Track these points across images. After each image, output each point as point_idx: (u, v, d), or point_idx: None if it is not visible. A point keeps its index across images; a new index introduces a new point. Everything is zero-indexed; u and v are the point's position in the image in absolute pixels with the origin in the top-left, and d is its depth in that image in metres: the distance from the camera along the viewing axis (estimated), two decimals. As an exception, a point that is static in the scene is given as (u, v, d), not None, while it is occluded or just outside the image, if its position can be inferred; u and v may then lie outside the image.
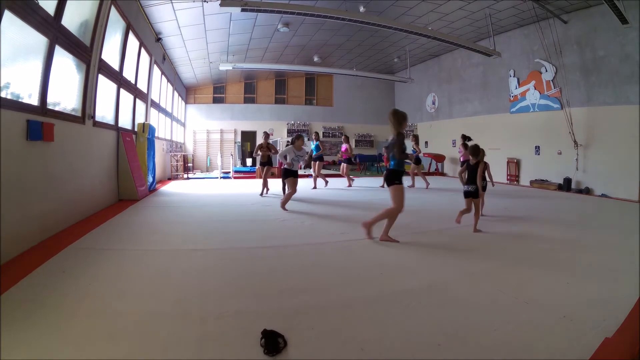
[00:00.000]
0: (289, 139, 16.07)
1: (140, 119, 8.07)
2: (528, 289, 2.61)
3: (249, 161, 15.60)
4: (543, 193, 8.78)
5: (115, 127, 6.37)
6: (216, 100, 16.65)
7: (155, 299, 2.37)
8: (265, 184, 7.53)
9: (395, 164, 3.83)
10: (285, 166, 5.98)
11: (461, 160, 8.48)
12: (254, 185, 9.89)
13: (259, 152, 7.59)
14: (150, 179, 8.05)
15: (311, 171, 9.81)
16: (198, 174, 13.34)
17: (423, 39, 10.45)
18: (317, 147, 9.15)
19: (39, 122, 3.52)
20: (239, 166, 14.96)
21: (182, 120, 15.62)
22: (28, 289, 2.47)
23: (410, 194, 8.46)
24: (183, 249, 3.57)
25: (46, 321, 2.01)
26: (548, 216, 5.61)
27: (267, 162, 7.62)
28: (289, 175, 5.92)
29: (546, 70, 9.86)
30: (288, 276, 2.85)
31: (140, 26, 7.75)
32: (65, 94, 4.50)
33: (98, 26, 5.10)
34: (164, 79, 11.23)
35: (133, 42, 7.32)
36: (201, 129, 16.12)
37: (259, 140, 17.11)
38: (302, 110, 17.22)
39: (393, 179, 3.81)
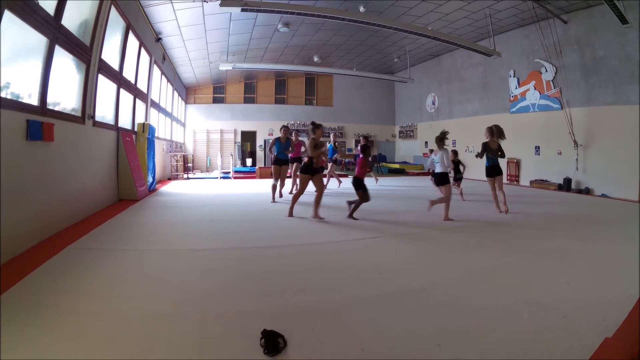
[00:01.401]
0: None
1: (140, 119, 8.06)
2: (528, 289, 2.60)
3: (249, 161, 15.61)
4: (543, 193, 8.78)
5: (115, 127, 6.36)
6: (216, 100, 16.65)
7: (155, 299, 2.37)
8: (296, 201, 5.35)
9: (492, 162, 5.70)
10: (440, 170, 5.18)
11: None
12: (254, 185, 9.92)
13: (318, 153, 5.08)
14: (150, 179, 8.05)
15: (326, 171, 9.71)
16: (198, 174, 13.34)
17: (423, 39, 10.47)
18: (333, 149, 9.04)
19: (39, 122, 3.52)
20: (238, 166, 14.96)
21: (182, 120, 15.62)
22: (28, 288, 2.46)
23: (403, 194, 8.49)
24: (183, 249, 3.57)
25: (46, 321, 2.01)
26: (548, 217, 5.62)
27: (318, 169, 5.21)
28: (445, 182, 5.16)
29: (546, 70, 9.86)
30: (288, 276, 2.85)
31: (140, 26, 7.75)
32: (65, 94, 4.49)
33: (98, 26, 5.10)
34: (164, 79, 11.22)
35: (133, 42, 7.32)
36: (201, 129, 16.13)
37: (260, 140, 17.17)
38: (302, 110, 17.22)
39: (499, 171, 5.74)
